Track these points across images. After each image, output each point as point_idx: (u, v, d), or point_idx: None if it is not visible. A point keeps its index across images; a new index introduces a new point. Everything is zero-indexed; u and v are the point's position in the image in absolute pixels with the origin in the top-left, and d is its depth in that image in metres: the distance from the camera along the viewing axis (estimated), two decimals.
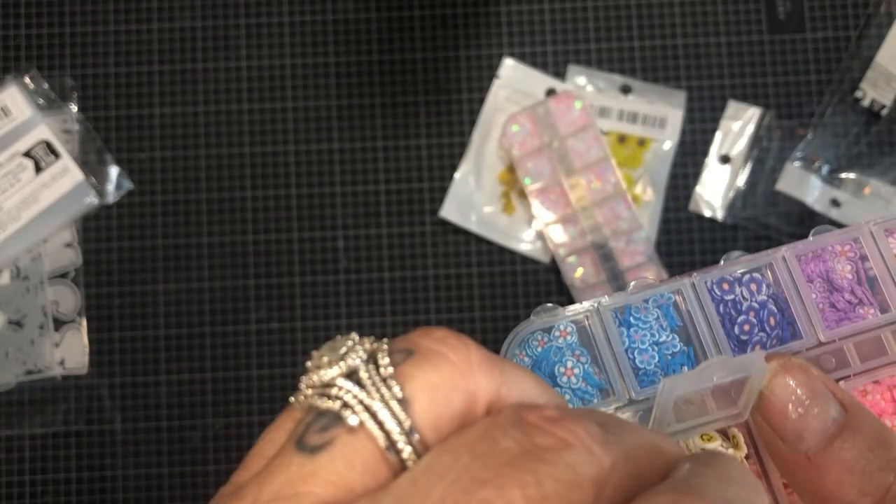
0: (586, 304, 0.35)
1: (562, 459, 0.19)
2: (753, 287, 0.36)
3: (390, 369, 0.21)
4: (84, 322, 0.71)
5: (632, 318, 0.35)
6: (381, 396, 0.21)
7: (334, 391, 0.21)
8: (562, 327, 0.35)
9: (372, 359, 0.22)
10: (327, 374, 0.21)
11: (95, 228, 0.73)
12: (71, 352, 0.71)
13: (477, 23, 0.74)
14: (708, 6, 0.74)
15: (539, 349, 0.35)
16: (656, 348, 0.35)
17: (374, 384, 0.21)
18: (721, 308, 0.36)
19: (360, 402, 0.21)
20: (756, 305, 0.36)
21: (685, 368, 0.35)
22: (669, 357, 0.35)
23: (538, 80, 0.74)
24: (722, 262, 0.36)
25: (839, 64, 0.72)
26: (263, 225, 0.72)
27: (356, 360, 0.21)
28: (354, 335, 0.23)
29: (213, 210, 0.73)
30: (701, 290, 0.36)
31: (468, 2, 0.75)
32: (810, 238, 0.37)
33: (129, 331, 0.71)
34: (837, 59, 0.72)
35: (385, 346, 0.22)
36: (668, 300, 0.36)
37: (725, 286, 0.36)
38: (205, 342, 0.71)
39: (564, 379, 0.34)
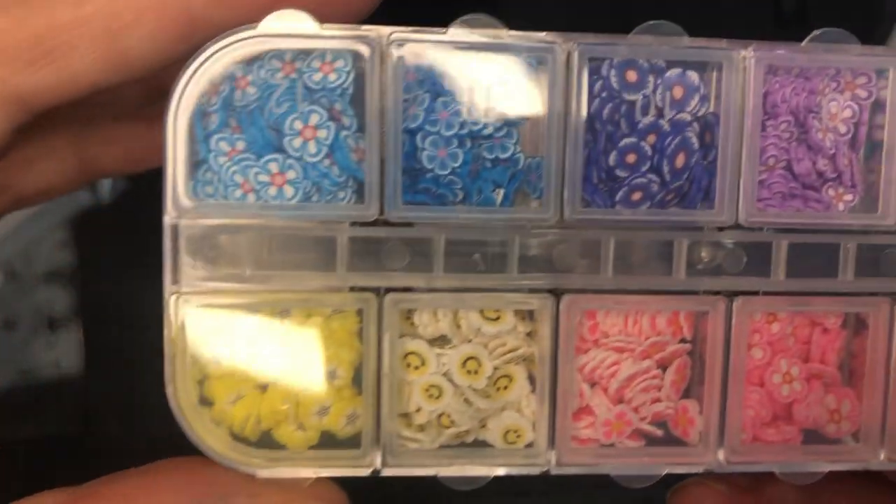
0: (388, 31, 0.21)
1: None
2: (679, 93, 0.22)
3: None
4: (80, 323, 0.68)
5: (445, 83, 0.22)
6: None
7: None
8: (328, 57, 0.22)
9: None
10: None
11: (90, 228, 0.70)
12: (66, 353, 0.68)
13: None
14: (713, 2, 0.67)
15: (277, 77, 0.22)
16: (468, 143, 0.22)
17: None
18: (606, 110, 0.22)
19: None
20: (666, 127, 0.22)
21: (500, 193, 0.22)
22: (489, 166, 0.22)
23: None
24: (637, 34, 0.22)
25: None
26: None
27: None
28: None
29: None
30: (580, 65, 0.22)
31: None
32: (806, 44, 0.23)
33: (125, 331, 0.68)
34: None
35: None
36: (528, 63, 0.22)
37: (632, 75, 0.22)
38: None
39: (297, 142, 0.22)
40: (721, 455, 0.23)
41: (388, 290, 0.22)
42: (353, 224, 0.22)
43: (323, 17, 0.22)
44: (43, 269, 0.65)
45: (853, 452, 0.24)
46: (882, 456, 0.24)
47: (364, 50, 0.22)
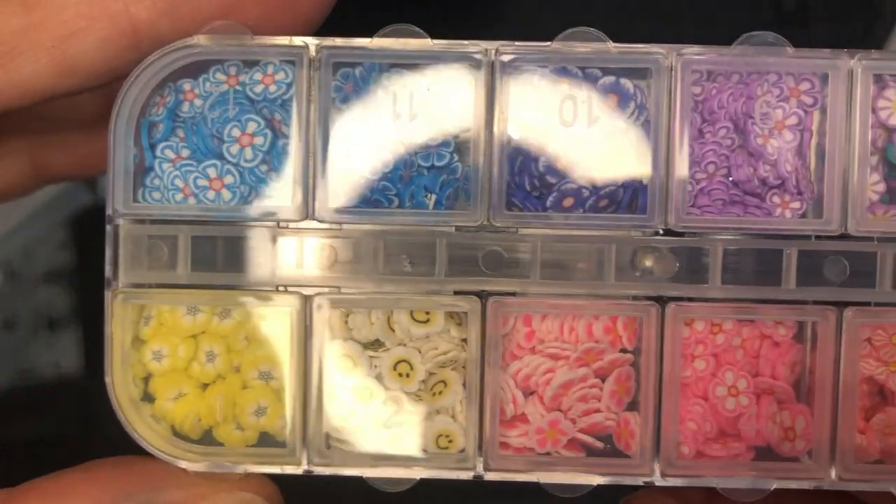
0: (317, 41, 0.22)
1: None
2: (613, 101, 0.23)
3: None
4: (80, 323, 0.69)
5: (377, 92, 0.23)
6: None
7: None
8: (269, 70, 0.23)
9: None
10: None
11: (90, 228, 0.72)
12: (66, 353, 0.69)
13: None
14: (712, 3, 0.65)
15: (221, 89, 0.23)
16: (401, 150, 0.23)
17: None
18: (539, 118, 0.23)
19: None
20: (598, 135, 0.23)
21: (432, 198, 0.23)
22: (425, 173, 0.23)
23: None
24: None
25: None
26: None
27: None
28: None
29: None
30: (504, 74, 0.22)
31: None
32: (734, 47, 0.22)
33: None
34: None
35: None
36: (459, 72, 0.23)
37: (567, 85, 0.23)
38: None
39: (234, 149, 0.23)
40: (656, 468, 0.23)
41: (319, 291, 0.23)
42: (285, 226, 0.23)
43: (270, 31, 0.23)
44: (43, 269, 0.67)
45: (803, 471, 0.23)
46: (833, 475, 0.23)
47: (294, 60, 0.22)
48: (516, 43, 0.22)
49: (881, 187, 0.23)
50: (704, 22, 0.62)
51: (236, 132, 0.23)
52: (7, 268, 0.66)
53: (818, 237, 0.22)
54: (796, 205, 0.23)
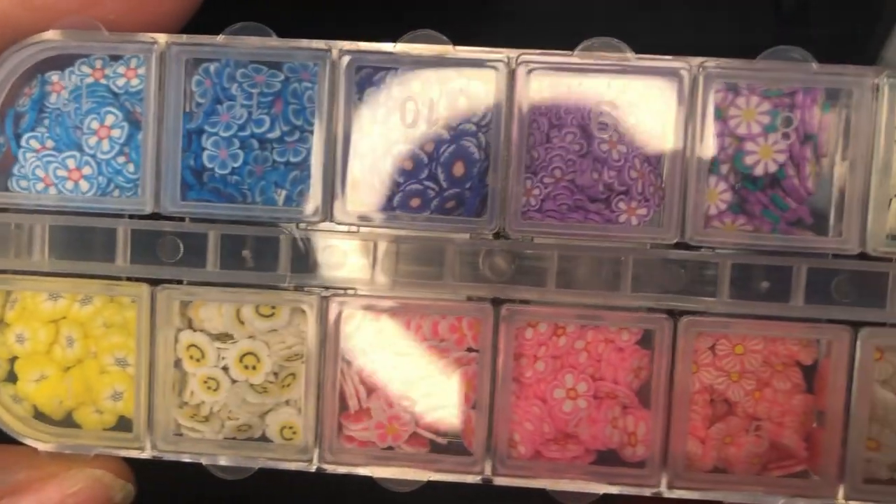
0: (168, 38, 0.23)
1: None
2: (464, 103, 0.23)
3: None
4: None
5: (233, 86, 0.23)
6: None
7: None
8: (133, 64, 0.24)
9: None
10: None
11: None
12: None
13: None
14: (712, 3, 0.64)
15: (86, 82, 0.23)
16: (254, 145, 0.23)
17: None
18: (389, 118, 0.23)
19: None
20: (445, 136, 0.23)
21: (282, 194, 0.23)
22: (281, 168, 0.23)
23: None
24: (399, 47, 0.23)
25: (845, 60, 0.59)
26: None
27: None
28: None
29: None
30: (349, 74, 0.23)
31: None
32: (576, 53, 0.22)
33: None
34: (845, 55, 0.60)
35: None
36: (311, 75, 0.23)
37: (416, 85, 0.23)
38: None
39: (92, 141, 0.23)
40: (487, 467, 0.23)
41: (165, 282, 0.23)
42: (132, 217, 0.23)
43: (134, 27, 0.24)
44: None
45: (636, 476, 0.23)
46: (664, 482, 0.23)
47: (147, 55, 0.23)
48: (361, 44, 0.22)
49: (729, 196, 0.23)
50: (705, 23, 0.61)
51: (95, 124, 0.24)
52: None
53: (654, 246, 0.22)
54: (642, 211, 0.23)
